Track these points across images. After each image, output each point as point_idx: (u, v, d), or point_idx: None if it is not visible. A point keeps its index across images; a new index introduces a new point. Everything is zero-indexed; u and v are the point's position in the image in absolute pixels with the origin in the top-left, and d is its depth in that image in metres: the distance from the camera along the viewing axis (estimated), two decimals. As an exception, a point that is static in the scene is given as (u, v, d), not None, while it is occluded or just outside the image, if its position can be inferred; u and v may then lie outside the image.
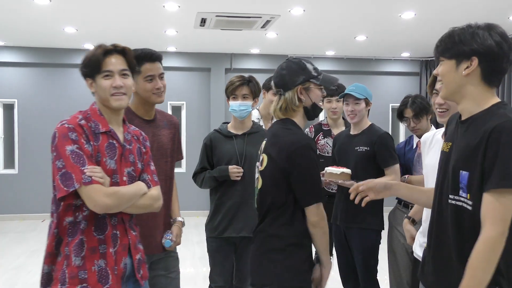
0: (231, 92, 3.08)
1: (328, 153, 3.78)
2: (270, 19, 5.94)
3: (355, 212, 3.13)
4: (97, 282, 1.89)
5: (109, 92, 1.96)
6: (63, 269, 1.88)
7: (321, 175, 3.26)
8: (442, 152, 1.80)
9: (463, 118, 1.71)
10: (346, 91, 3.25)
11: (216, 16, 5.76)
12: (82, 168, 1.84)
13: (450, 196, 1.69)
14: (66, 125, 1.89)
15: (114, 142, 2.00)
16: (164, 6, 5.39)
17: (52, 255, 1.91)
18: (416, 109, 3.23)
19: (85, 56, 2.00)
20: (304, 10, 5.55)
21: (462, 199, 1.64)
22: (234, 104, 3.07)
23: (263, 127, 3.59)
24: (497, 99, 1.68)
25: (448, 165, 1.72)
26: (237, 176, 2.97)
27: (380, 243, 3.22)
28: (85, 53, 2.01)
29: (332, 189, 3.67)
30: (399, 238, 3.22)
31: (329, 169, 3.10)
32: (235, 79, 3.11)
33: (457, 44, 1.65)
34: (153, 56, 2.48)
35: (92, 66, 1.96)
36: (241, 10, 5.58)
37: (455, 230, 1.66)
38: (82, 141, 1.88)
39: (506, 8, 5.51)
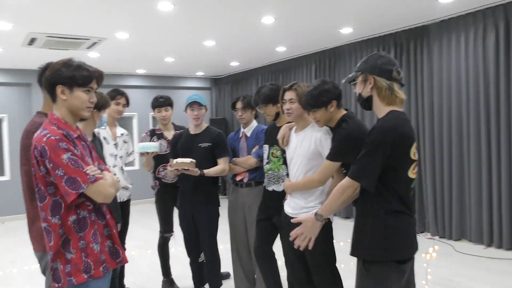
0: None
1: (162, 152, 3.83)
2: (97, 41, 5.82)
3: (201, 195, 3.37)
4: (111, 259, 1.93)
5: (86, 105, 1.92)
6: (85, 261, 1.83)
7: (168, 166, 3.46)
8: None
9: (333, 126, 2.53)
10: (192, 100, 3.40)
11: (47, 36, 5.42)
12: (84, 170, 1.79)
13: None
14: (53, 138, 1.77)
15: (84, 143, 1.95)
16: (-4, 25, 4.89)
17: (60, 253, 1.82)
18: (244, 102, 3.48)
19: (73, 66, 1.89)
20: (129, 35, 5.62)
21: None
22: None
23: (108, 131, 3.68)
24: (343, 112, 2.52)
25: None
26: None
27: (219, 215, 3.51)
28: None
29: (168, 180, 3.86)
30: (238, 211, 3.50)
31: (180, 160, 3.23)
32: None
33: (319, 98, 2.42)
34: None
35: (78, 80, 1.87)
36: (72, 32, 5.35)
37: None
38: (72, 148, 1.81)
39: (274, 41, 6.46)
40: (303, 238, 2.30)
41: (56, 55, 6.33)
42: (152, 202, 8.59)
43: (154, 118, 9.31)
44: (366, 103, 2.06)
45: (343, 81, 2.19)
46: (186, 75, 9.49)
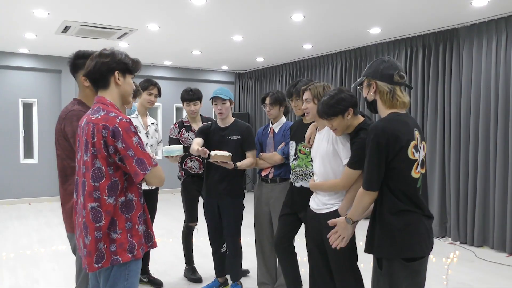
0: None
1: (190, 144, 3.83)
2: (128, 32, 5.91)
3: (228, 187, 3.41)
4: (144, 242, 1.96)
5: (132, 91, 2.04)
6: (130, 241, 1.88)
7: (197, 147, 3.37)
8: None
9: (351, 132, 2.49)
10: (214, 94, 3.42)
11: (81, 25, 5.52)
12: (149, 154, 1.87)
13: None
14: (125, 120, 1.85)
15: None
16: (33, 12, 4.99)
17: (106, 234, 1.85)
18: (272, 98, 3.51)
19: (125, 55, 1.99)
20: (159, 27, 5.69)
21: None
22: None
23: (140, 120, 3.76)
24: (360, 119, 2.48)
25: None
26: None
27: (244, 208, 3.55)
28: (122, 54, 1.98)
29: (194, 171, 3.89)
30: (263, 206, 3.53)
31: (219, 152, 3.21)
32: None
33: (336, 107, 2.38)
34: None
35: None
36: (105, 22, 5.44)
37: None
38: (137, 132, 1.90)
39: (301, 39, 6.46)
40: (337, 236, 2.36)
41: (87, 44, 6.49)
42: (172, 192, 8.78)
43: (177, 109, 9.40)
44: (372, 106, 2.15)
45: (353, 85, 2.26)
46: (211, 69, 9.55)
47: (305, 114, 2.82)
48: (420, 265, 1.99)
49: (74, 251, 2.37)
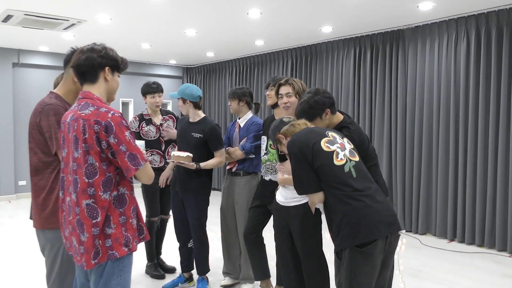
0: None
1: (151, 137, 3.91)
2: (76, 23, 5.69)
3: (190, 182, 3.43)
4: (136, 235, 1.96)
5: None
6: (125, 235, 1.89)
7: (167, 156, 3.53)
8: None
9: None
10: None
11: (25, 14, 5.24)
12: (140, 149, 1.87)
13: None
14: (117, 115, 1.85)
15: None
16: (-28, -1, 4.68)
17: (101, 230, 1.84)
18: (230, 92, 3.59)
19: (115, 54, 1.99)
20: (111, 19, 5.53)
21: None
22: None
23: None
24: (340, 117, 2.64)
25: None
26: None
27: (209, 205, 3.58)
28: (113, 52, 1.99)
29: (155, 164, 3.91)
30: (228, 198, 3.61)
31: (177, 153, 3.28)
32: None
33: (312, 111, 2.51)
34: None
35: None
36: (52, 12, 5.21)
37: None
38: (128, 126, 1.91)
39: (255, 35, 6.56)
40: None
41: (27, 34, 6.15)
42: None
43: (123, 104, 9.16)
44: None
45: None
46: (158, 63, 9.39)
47: (284, 108, 2.92)
48: (373, 249, 2.04)
49: (43, 250, 2.30)
